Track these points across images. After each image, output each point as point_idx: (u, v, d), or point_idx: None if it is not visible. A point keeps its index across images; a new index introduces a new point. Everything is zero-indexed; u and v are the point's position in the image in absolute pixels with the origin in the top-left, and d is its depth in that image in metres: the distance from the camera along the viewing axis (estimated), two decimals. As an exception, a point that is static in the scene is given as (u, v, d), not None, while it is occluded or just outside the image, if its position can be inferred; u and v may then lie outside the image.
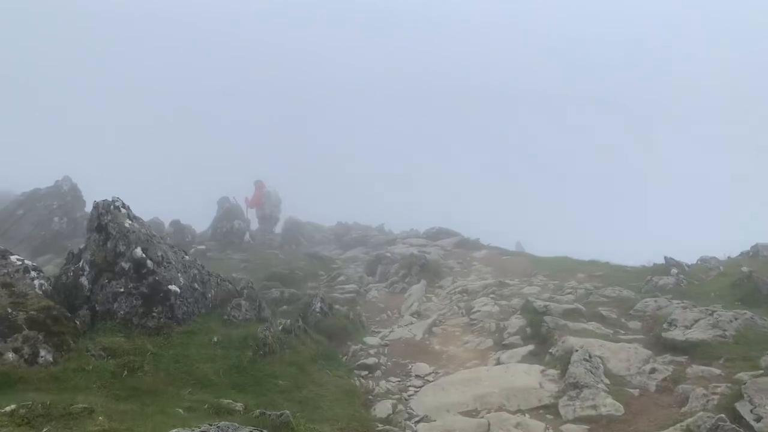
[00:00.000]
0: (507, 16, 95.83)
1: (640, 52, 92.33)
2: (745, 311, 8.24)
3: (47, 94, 70.58)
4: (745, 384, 5.98)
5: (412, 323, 10.75)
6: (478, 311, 10.75)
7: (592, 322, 9.06)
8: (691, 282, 10.99)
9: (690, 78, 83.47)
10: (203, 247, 18.36)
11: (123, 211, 7.97)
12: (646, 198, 66.24)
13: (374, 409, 7.09)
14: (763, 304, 8.95)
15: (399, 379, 8.23)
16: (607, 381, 6.99)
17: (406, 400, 7.50)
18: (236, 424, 4.62)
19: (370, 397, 7.52)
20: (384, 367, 8.66)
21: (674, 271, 11.25)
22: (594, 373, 7.00)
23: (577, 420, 6.30)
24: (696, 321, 8.16)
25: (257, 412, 5.45)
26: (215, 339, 7.38)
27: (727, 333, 7.69)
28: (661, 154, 76.86)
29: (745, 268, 10.34)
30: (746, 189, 58.41)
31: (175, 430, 4.43)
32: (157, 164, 62.29)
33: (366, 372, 8.43)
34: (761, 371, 6.43)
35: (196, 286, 8.34)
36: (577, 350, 7.38)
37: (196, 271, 8.56)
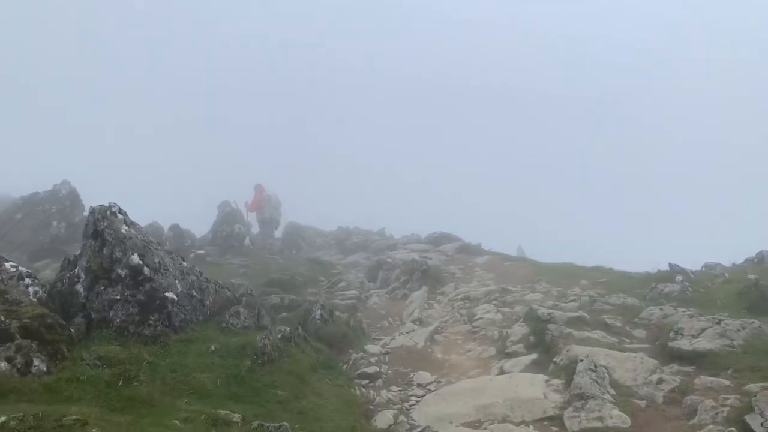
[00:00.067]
0: (507, 16, 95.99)
1: (641, 53, 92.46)
2: (753, 320, 8.10)
3: (47, 94, 70.77)
4: (755, 396, 5.84)
5: (413, 330, 10.61)
6: (481, 318, 10.60)
7: (597, 331, 8.91)
8: (697, 289, 10.84)
9: (691, 79, 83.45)
10: (203, 251, 18.25)
11: (119, 216, 7.83)
12: (647, 201, 66.14)
13: (375, 420, 6.96)
14: (771, 312, 8.80)
15: (400, 389, 8.09)
16: (613, 392, 6.83)
17: (407, 410, 7.36)
18: (233, 437, 4.48)
19: (371, 407, 7.39)
20: (385, 376, 8.52)
21: (679, 278, 11.11)
22: (600, 383, 6.85)
23: (583, 432, 6.16)
24: (703, 330, 8.01)
25: (255, 423, 5.33)
26: (213, 347, 7.23)
27: (735, 343, 7.54)
28: (662, 154, 76.79)
29: (751, 276, 10.19)
30: (748, 193, 58.25)
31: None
32: (157, 164, 62.45)
33: (367, 381, 8.29)
34: (771, 383, 6.29)
35: (194, 293, 8.20)
36: (582, 360, 7.23)
37: (194, 278, 8.42)
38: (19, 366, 5.78)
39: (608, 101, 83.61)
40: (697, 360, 7.39)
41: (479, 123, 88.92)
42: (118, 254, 7.49)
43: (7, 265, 6.93)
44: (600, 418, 6.27)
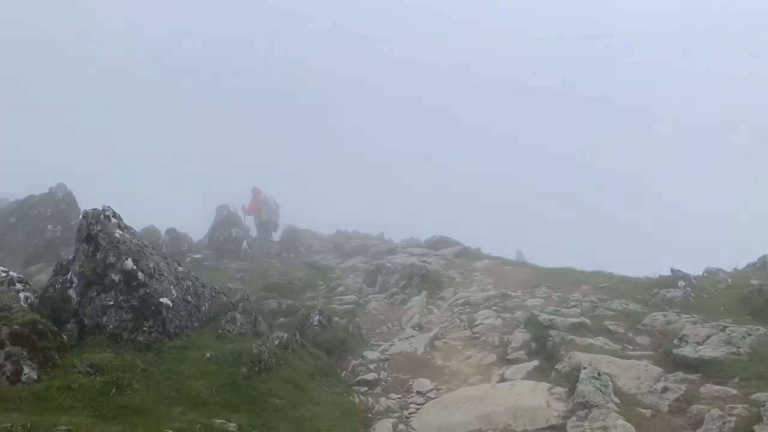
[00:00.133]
0: (507, 16, 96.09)
1: (641, 53, 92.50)
2: (758, 327, 7.96)
3: (47, 94, 70.67)
4: (764, 405, 5.69)
5: (413, 336, 10.45)
6: (481, 324, 10.45)
7: (599, 337, 8.77)
8: (699, 295, 10.70)
9: (690, 79, 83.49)
10: (199, 255, 18.09)
11: (113, 220, 7.68)
12: (647, 201, 66.03)
13: (374, 429, 6.82)
14: (776, 318, 8.67)
15: (400, 396, 7.94)
16: (617, 400, 6.69)
17: (407, 418, 7.20)
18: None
19: (370, 415, 7.24)
20: (384, 383, 8.36)
21: (681, 283, 10.98)
22: (603, 391, 6.70)
23: (587, 442, 6.01)
24: (708, 337, 7.88)
25: (251, 434, 5.16)
26: (208, 354, 7.07)
27: (741, 350, 7.40)
28: (661, 155, 76.74)
29: (754, 281, 10.07)
30: (748, 193, 58.13)
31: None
32: (157, 165, 62.30)
33: (365, 388, 8.13)
34: (779, 392, 6.15)
35: (190, 298, 8.05)
36: (585, 367, 7.08)
37: (189, 283, 8.27)
38: (8, 374, 5.61)
39: (608, 101, 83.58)
40: (703, 368, 7.25)
41: (479, 123, 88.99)
42: (111, 259, 7.33)
43: (-2, 269, 6.77)
44: (604, 428, 6.11)
